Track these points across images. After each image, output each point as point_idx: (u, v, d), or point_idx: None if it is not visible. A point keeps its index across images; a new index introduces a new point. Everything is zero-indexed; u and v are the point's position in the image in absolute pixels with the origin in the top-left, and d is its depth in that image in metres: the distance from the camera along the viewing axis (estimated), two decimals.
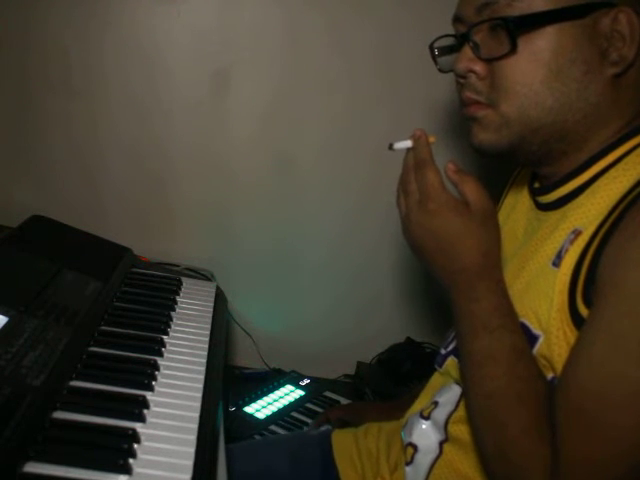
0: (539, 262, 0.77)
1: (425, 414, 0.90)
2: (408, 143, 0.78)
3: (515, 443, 0.69)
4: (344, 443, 1.07)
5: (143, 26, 1.51)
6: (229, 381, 1.52)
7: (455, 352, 0.89)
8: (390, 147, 0.79)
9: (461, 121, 0.82)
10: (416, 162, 0.76)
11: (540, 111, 0.73)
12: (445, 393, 0.88)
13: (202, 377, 0.87)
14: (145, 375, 0.83)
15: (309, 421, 1.37)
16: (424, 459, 0.87)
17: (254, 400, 1.44)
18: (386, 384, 1.54)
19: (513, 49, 0.72)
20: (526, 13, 0.71)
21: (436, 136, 0.78)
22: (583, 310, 0.68)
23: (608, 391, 0.63)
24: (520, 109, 0.74)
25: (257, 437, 1.31)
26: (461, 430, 0.84)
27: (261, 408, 1.42)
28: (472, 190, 0.74)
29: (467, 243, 0.73)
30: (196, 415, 0.77)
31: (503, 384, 0.70)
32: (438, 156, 0.76)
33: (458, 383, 0.87)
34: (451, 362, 0.90)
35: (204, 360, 0.93)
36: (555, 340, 0.70)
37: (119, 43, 1.51)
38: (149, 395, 0.79)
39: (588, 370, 0.64)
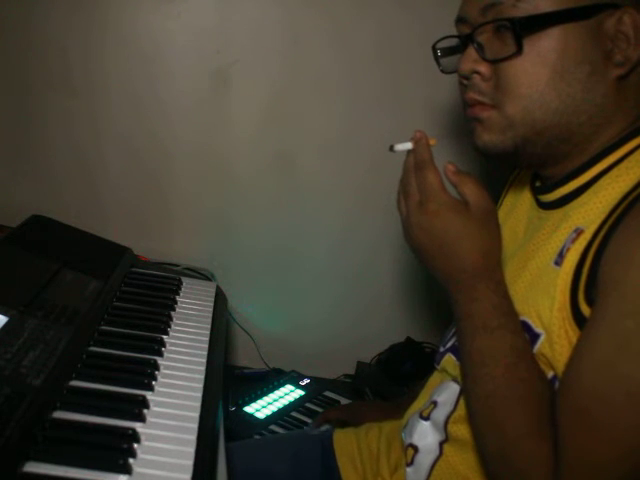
0: (541, 261, 0.77)
1: (425, 414, 0.90)
2: (408, 145, 0.78)
3: (516, 444, 0.69)
4: (345, 442, 1.07)
5: (143, 26, 1.51)
6: (229, 381, 1.53)
7: (453, 349, 0.89)
8: (391, 149, 0.79)
9: (462, 122, 0.82)
10: (416, 164, 0.76)
11: (545, 112, 0.73)
12: (443, 392, 0.88)
13: (202, 377, 0.87)
14: (145, 375, 0.83)
15: (309, 421, 1.37)
16: (424, 460, 0.87)
17: (254, 400, 1.44)
18: (386, 384, 1.54)
19: (519, 50, 0.72)
20: (532, 14, 0.71)
21: (436, 139, 0.78)
22: (585, 309, 0.68)
23: (611, 392, 0.63)
24: (525, 110, 0.74)
25: (257, 437, 1.31)
26: (461, 430, 0.84)
27: (261, 408, 1.42)
28: (472, 190, 0.74)
29: (467, 243, 0.73)
30: (196, 415, 0.77)
31: (503, 384, 0.70)
32: (439, 158, 0.76)
33: (455, 380, 0.87)
34: (448, 359, 0.90)
35: (204, 360, 0.93)
36: (557, 339, 0.70)
37: (119, 43, 1.51)
38: (149, 395, 0.79)
39: (591, 371, 0.64)
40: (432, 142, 0.77)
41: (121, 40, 1.51)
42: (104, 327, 0.96)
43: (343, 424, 1.18)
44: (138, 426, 0.72)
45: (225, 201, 1.62)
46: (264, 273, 1.66)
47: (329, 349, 1.68)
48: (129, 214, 1.61)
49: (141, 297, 1.10)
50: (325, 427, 1.19)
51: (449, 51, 0.85)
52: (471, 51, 0.76)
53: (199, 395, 0.82)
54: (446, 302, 0.78)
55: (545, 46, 0.72)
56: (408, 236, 0.78)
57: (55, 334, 0.84)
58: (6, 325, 0.81)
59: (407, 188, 0.77)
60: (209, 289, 1.24)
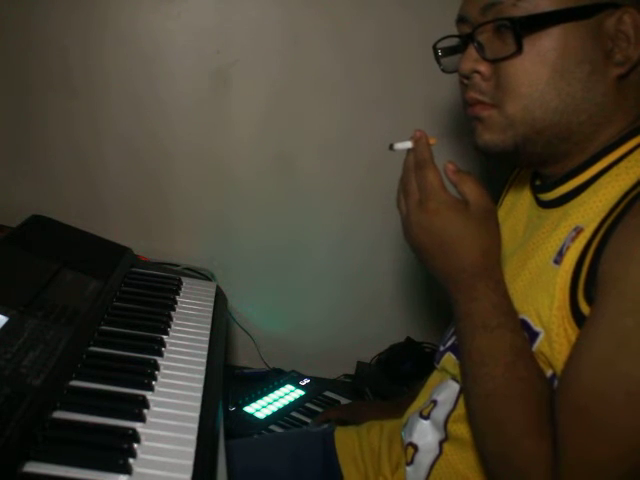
0: (540, 259, 0.77)
1: (424, 413, 0.90)
2: (408, 144, 0.78)
3: (515, 443, 0.69)
4: (347, 441, 1.07)
5: (143, 26, 1.51)
6: (229, 381, 1.53)
7: (452, 348, 0.89)
8: (390, 147, 0.79)
9: (462, 122, 0.82)
10: (416, 162, 0.76)
11: (545, 112, 0.73)
12: (443, 391, 0.88)
13: (202, 377, 0.87)
14: (145, 375, 0.83)
15: (309, 421, 1.37)
16: (424, 459, 0.87)
17: (254, 400, 1.44)
18: (386, 384, 1.54)
19: (519, 50, 0.72)
20: (532, 13, 0.71)
21: (436, 138, 0.78)
22: (584, 307, 0.68)
23: (611, 391, 0.63)
24: (525, 110, 0.74)
25: (257, 436, 1.31)
26: (460, 429, 0.83)
27: (261, 408, 1.42)
28: (472, 189, 0.74)
29: (467, 242, 0.73)
30: (196, 415, 0.77)
31: (503, 383, 0.71)
32: (439, 157, 0.77)
33: (455, 379, 0.87)
34: (447, 358, 0.90)
35: (204, 360, 0.93)
36: (556, 337, 0.70)
37: (119, 43, 1.51)
38: (149, 395, 0.79)
39: (590, 369, 0.64)
40: (432, 141, 0.77)
41: (121, 40, 1.51)
42: (104, 327, 0.96)
43: (343, 424, 1.18)
44: (138, 426, 0.72)
45: (225, 201, 1.62)
46: (264, 273, 1.66)
47: (329, 349, 1.68)
48: (129, 214, 1.61)
49: (141, 297, 1.10)
50: (325, 426, 1.19)
51: (450, 51, 0.85)
52: (471, 51, 0.76)
53: (199, 395, 0.82)
54: (446, 302, 0.78)
55: (545, 45, 0.72)
56: (408, 235, 0.78)
57: (55, 334, 0.84)
58: (6, 325, 0.81)
59: (407, 187, 0.77)
60: (209, 289, 1.24)
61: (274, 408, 1.43)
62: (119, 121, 1.55)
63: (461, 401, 0.84)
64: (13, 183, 1.56)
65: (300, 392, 1.51)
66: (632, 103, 0.75)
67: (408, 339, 1.62)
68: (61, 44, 1.50)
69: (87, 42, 1.50)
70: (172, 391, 0.82)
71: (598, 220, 0.70)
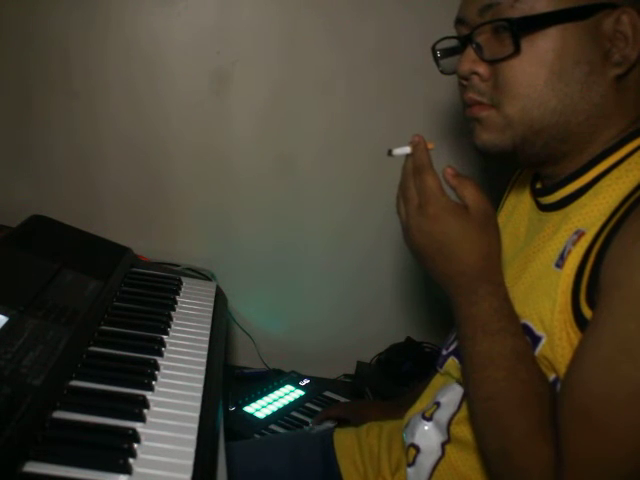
0: (542, 263, 0.77)
1: (427, 415, 0.90)
2: (407, 149, 0.78)
3: (518, 446, 0.69)
4: (346, 442, 1.06)
5: (143, 26, 1.51)
6: (229, 381, 1.53)
7: (456, 353, 0.89)
8: (389, 153, 0.79)
9: (461, 123, 0.82)
10: (415, 167, 0.76)
11: (543, 112, 0.73)
12: (447, 393, 0.88)
13: (202, 377, 0.87)
14: (145, 375, 0.83)
15: (309, 420, 1.37)
16: (426, 460, 0.87)
17: (254, 400, 1.44)
18: (386, 384, 1.54)
19: (516, 50, 0.72)
20: (529, 14, 0.71)
21: (435, 143, 0.78)
22: (586, 311, 0.68)
23: (613, 393, 0.63)
24: (523, 110, 0.74)
25: (257, 437, 1.32)
26: (463, 431, 0.83)
27: (261, 408, 1.42)
28: (471, 194, 0.75)
29: (467, 246, 0.73)
30: (196, 415, 0.77)
31: (505, 387, 0.71)
32: (439, 159, 0.77)
33: (459, 383, 0.87)
34: (451, 362, 0.90)
35: (204, 360, 0.93)
36: (558, 341, 0.70)
37: (119, 43, 1.51)
38: (149, 395, 0.79)
39: (593, 372, 0.64)
40: (430, 146, 0.77)
41: (121, 40, 1.51)
42: (104, 327, 0.96)
43: (343, 422, 1.18)
44: (138, 426, 0.72)
45: (225, 201, 1.62)
46: (264, 273, 1.67)
47: (329, 349, 1.68)
48: (129, 214, 1.61)
49: (141, 297, 1.10)
50: (326, 425, 1.19)
51: (448, 52, 0.85)
52: (470, 52, 0.76)
53: (199, 395, 0.82)
54: (446, 303, 0.78)
55: (543, 46, 0.72)
56: (408, 239, 0.78)
57: (55, 334, 0.84)
58: (6, 325, 0.81)
59: (406, 192, 0.77)
60: (209, 289, 1.24)
61: (274, 408, 1.43)
62: (119, 121, 1.55)
63: (464, 403, 0.84)
64: (13, 183, 1.57)
65: (300, 392, 1.51)
66: (631, 104, 0.75)
67: (408, 339, 1.62)
68: (62, 44, 1.50)
69: (88, 42, 1.50)
70: (172, 391, 0.82)
71: (599, 224, 0.70)
